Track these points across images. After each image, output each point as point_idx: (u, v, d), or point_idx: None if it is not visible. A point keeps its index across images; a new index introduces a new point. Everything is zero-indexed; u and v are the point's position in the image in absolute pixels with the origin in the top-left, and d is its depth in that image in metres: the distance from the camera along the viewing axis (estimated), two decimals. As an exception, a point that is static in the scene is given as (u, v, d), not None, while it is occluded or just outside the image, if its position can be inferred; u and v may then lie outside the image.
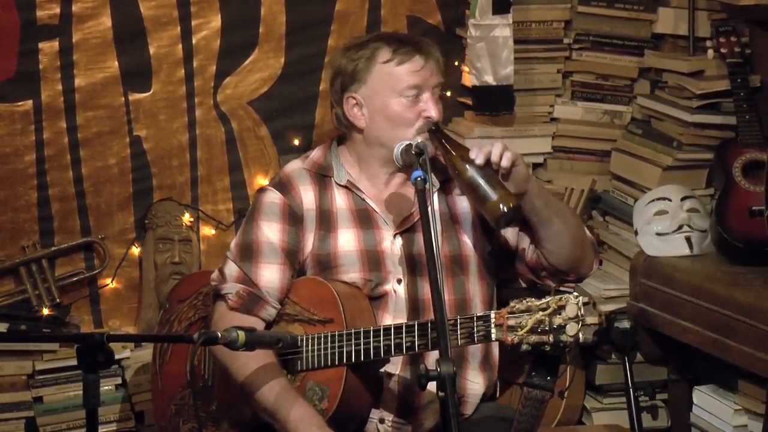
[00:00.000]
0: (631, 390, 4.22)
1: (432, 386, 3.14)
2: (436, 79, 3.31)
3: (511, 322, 2.91)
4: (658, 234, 4.23)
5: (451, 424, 2.68)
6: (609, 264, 4.57)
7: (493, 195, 3.07)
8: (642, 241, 4.26)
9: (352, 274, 3.28)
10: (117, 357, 4.15)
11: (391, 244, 3.30)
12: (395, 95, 3.28)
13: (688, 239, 4.22)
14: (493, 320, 2.96)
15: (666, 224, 4.22)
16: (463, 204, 3.36)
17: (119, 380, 4.28)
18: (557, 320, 2.85)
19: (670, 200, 4.26)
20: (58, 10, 4.27)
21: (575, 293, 2.89)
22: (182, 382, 3.47)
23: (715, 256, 4.17)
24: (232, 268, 3.32)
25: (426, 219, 2.96)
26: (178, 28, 4.40)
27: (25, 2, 4.24)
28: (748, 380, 4.00)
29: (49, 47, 4.29)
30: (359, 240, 3.30)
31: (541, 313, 2.87)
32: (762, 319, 3.71)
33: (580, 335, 2.86)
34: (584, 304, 2.86)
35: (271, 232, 3.30)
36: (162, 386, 3.56)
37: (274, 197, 3.34)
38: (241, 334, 2.88)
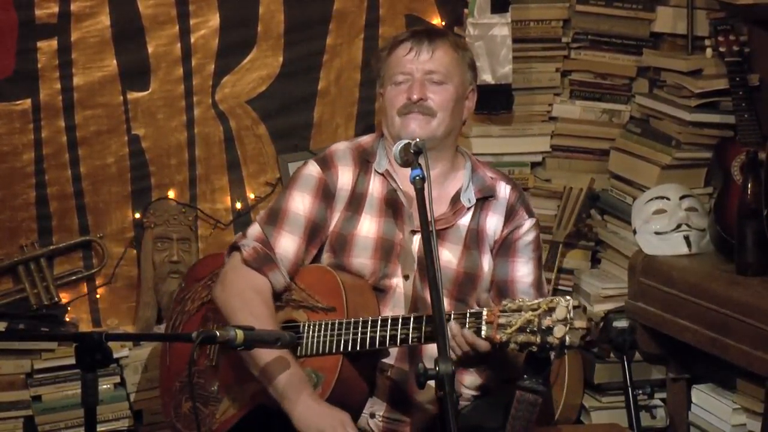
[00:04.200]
0: (629, 389, 4.23)
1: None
2: (430, 65, 3.33)
3: (502, 320, 2.92)
4: (656, 233, 4.24)
5: (450, 422, 2.68)
6: (607, 263, 4.57)
7: None
8: (640, 240, 4.27)
9: (363, 259, 3.32)
10: (115, 356, 4.18)
11: (408, 241, 3.32)
12: (389, 83, 3.36)
13: (686, 238, 4.22)
14: (484, 317, 2.97)
15: (664, 223, 4.23)
16: (491, 225, 3.37)
17: (118, 379, 4.28)
18: (546, 321, 2.85)
19: (668, 199, 4.26)
20: (56, 9, 4.27)
21: (567, 296, 2.89)
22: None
23: (714, 254, 4.17)
24: (255, 229, 3.38)
25: (424, 217, 2.96)
26: (177, 27, 4.40)
27: (23, 1, 4.24)
28: (747, 379, 4.00)
29: (47, 46, 4.29)
30: (379, 228, 3.33)
31: (531, 313, 2.87)
32: (760, 318, 3.71)
33: (567, 338, 2.85)
34: (575, 307, 2.86)
35: (302, 202, 3.35)
36: (170, 361, 3.56)
37: (313, 170, 3.39)
38: (239, 333, 2.88)
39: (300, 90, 4.54)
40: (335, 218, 3.36)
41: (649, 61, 4.58)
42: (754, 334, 3.73)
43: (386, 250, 3.32)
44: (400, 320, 3.10)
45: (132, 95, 4.40)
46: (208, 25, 4.43)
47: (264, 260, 3.30)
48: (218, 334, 2.85)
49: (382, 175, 3.38)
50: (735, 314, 3.80)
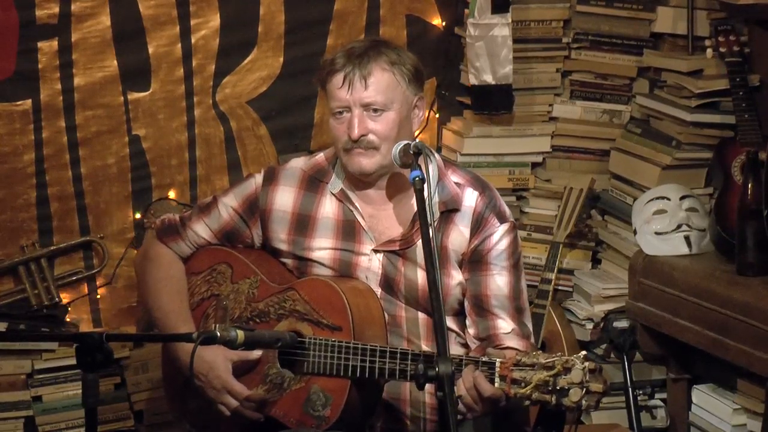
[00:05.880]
0: (630, 389, 4.24)
1: (414, 393, 3.15)
2: (366, 97, 3.18)
3: (516, 375, 2.85)
4: (657, 233, 4.24)
5: (450, 424, 2.68)
6: (608, 263, 4.57)
7: None
8: (641, 241, 4.26)
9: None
10: (116, 356, 4.17)
11: (369, 261, 3.26)
12: (330, 114, 3.26)
13: (686, 238, 4.22)
14: (497, 370, 2.90)
15: (665, 223, 4.23)
16: (454, 240, 3.25)
17: (118, 379, 4.29)
18: (561, 382, 2.78)
19: (668, 199, 4.26)
20: (57, 10, 4.27)
21: (582, 355, 2.81)
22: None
23: (714, 255, 4.17)
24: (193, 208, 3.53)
25: (424, 219, 2.94)
26: (177, 28, 4.40)
27: (24, 2, 4.24)
28: (747, 379, 4.00)
29: (48, 47, 4.29)
30: (335, 251, 3.28)
31: (545, 372, 2.79)
32: (760, 318, 3.71)
33: (583, 402, 2.78)
34: (590, 371, 2.79)
35: (229, 206, 3.39)
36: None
37: (252, 183, 3.38)
38: (240, 333, 2.86)
39: (301, 90, 4.53)
40: (259, 235, 3.36)
41: (650, 61, 4.58)
42: (755, 335, 3.73)
43: (345, 271, 3.26)
44: (410, 355, 3.03)
45: (132, 96, 4.40)
46: (208, 25, 4.43)
47: (167, 230, 3.43)
48: (219, 334, 2.85)
49: (337, 196, 3.30)
50: (735, 314, 3.80)
